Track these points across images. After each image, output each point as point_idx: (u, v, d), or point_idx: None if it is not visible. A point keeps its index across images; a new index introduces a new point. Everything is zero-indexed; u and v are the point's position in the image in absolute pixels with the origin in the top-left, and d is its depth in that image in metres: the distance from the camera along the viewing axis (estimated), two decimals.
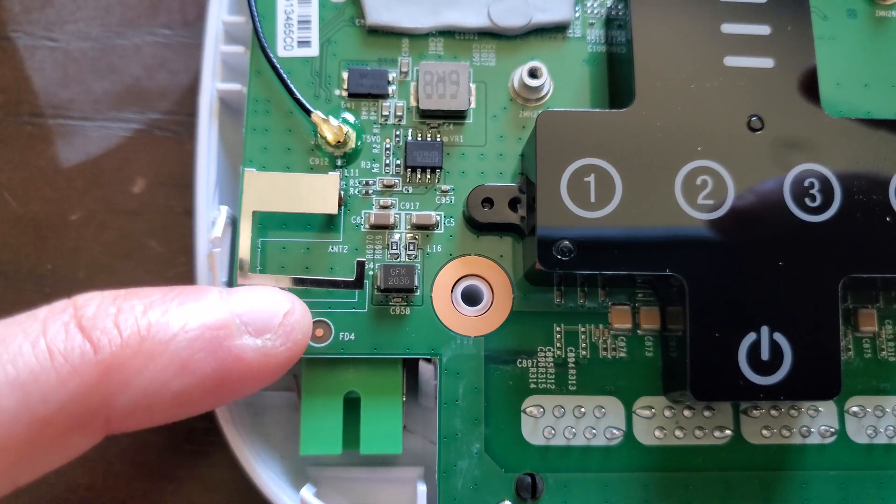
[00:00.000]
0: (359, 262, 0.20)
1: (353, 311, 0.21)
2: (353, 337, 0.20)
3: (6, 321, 0.16)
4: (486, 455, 0.20)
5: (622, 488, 0.20)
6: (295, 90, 0.21)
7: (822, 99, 0.20)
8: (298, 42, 0.22)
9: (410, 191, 0.22)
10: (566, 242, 0.19)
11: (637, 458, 0.20)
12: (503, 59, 0.23)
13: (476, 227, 0.21)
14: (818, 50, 0.21)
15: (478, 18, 0.23)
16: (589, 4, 0.23)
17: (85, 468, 0.23)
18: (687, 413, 0.21)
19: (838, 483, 0.21)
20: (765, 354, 0.19)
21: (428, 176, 0.22)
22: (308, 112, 0.21)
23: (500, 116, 0.22)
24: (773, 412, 0.21)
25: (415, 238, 0.21)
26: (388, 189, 0.22)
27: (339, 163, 0.22)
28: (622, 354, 0.21)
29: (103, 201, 0.26)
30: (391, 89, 0.22)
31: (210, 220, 0.22)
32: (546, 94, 0.22)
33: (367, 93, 0.22)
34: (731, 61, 0.20)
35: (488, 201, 0.21)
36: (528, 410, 0.20)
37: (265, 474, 0.21)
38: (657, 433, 0.21)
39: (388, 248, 0.21)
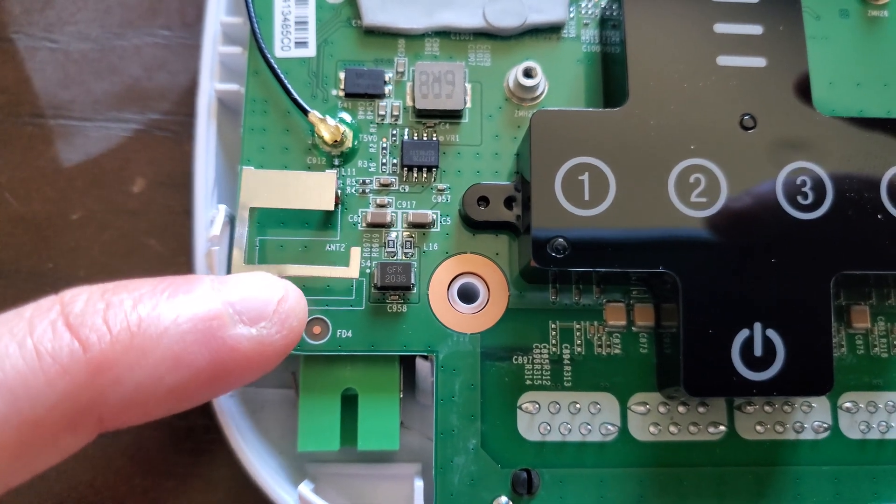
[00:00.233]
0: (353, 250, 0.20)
1: (351, 308, 0.21)
2: (350, 334, 0.21)
3: None
4: (482, 451, 0.20)
5: (617, 483, 0.20)
6: (292, 90, 0.22)
7: (814, 98, 0.20)
8: (295, 43, 0.23)
9: (407, 189, 0.22)
10: (561, 240, 0.19)
11: (632, 454, 0.21)
12: (498, 59, 0.23)
13: (472, 225, 0.21)
14: (810, 49, 0.21)
15: (473, 19, 0.23)
16: (583, 5, 0.23)
17: (85, 465, 0.24)
18: (681, 409, 0.21)
19: (831, 478, 0.21)
20: (758, 350, 0.19)
21: (424, 175, 0.22)
22: (305, 112, 0.21)
23: (495, 116, 0.22)
24: (767, 408, 0.21)
25: (411, 236, 0.21)
26: (384, 188, 0.22)
27: (336, 162, 0.22)
28: (617, 351, 0.21)
29: (103, 201, 0.26)
30: (387, 89, 0.22)
31: (209, 218, 0.22)
32: (541, 93, 0.23)
33: (363, 93, 0.22)
34: (724, 61, 0.21)
35: (484, 200, 0.21)
36: (523, 407, 0.21)
37: (264, 471, 0.21)
38: (652, 429, 0.21)
39: (384, 247, 0.21)
